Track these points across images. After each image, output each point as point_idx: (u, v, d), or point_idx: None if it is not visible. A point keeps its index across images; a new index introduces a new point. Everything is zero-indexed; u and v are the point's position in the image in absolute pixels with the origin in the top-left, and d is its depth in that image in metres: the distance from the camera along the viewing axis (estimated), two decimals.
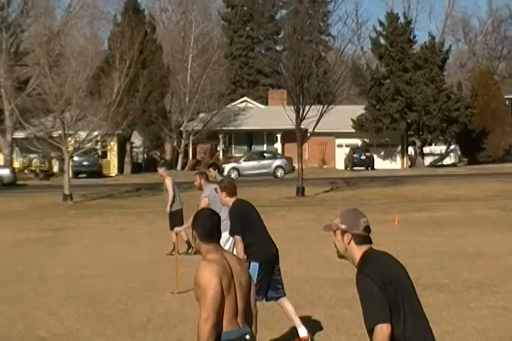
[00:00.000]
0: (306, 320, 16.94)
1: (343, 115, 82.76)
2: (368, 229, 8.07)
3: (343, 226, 7.83)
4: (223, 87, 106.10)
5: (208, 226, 8.70)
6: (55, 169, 77.67)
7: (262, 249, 16.38)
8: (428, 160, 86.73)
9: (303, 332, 15.83)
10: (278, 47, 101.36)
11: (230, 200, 16.93)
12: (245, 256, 16.00)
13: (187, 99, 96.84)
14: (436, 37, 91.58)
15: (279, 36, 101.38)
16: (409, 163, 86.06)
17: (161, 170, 29.35)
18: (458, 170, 76.78)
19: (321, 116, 62.71)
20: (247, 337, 8.33)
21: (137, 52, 67.26)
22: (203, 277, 8.01)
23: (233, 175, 72.66)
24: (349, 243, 7.98)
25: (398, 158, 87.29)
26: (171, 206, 28.23)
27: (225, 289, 8.06)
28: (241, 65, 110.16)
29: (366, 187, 59.20)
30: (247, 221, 16.76)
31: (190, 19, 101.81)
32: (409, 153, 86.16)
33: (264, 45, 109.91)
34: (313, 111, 60.70)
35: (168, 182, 27.63)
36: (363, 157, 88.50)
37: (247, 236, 16.46)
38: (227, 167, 73.96)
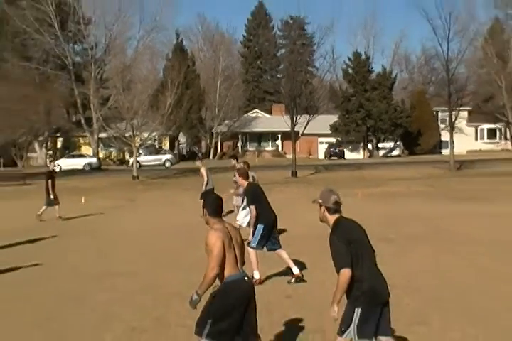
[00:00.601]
0: (298, 263, 16.95)
1: (323, 122, 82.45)
2: (337, 203, 8.92)
3: (320, 201, 8.84)
4: (241, 103, 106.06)
5: (215, 205, 9.33)
6: (127, 158, 77.39)
7: (266, 216, 16.56)
8: (381, 152, 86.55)
9: (296, 270, 16.25)
10: (279, 75, 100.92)
11: (245, 183, 17.16)
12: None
13: (216, 110, 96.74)
14: (386, 68, 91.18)
15: (280, 67, 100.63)
16: (368, 154, 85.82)
17: (197, 163, 29.01)
18: (401, 159, 76.75)
19: (308, 122, 62.69)
20: (246, 278, 8.97)
21: (182, 78, 67.08)
22: (210, 240, 8.75)
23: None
24: (324, 213, 8.94)
25: (361, 151, 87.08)
26: (206, 186, 27.38)
27: (227, 247, 8.78)
28: (253, 87, 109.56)
29: (339, 171, 59.40)
30: (256, 196, 16.77)
31: (219, 56, 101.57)
32: (368, 147, 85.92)
33: (270, 74, 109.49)
34: (303, 119, 60.79)
35: (203, 171, 26.94)
36: (336, 150, 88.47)
37: (257, 207, 16.60)
38: (131, 160, 70.42)
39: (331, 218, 9.13)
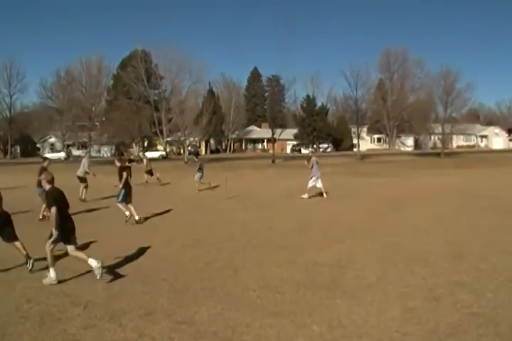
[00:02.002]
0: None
1: (290, 132, 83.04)
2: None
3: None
4: (244, 121, 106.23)
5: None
6: (181, 152, 78.03)
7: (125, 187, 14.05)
8: (321, 149, 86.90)
9: (135, 216, 14.06)
10: (265, 107, 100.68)
11: (118, 163, 14.76)
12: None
13: (230, 125, 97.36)
14: (323, 103, 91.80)
15: (266, 102, 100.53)
16: (313, 150, 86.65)
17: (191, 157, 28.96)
18: (332, 154, 77.01)
19: (281, 133, 63.70)
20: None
21: (211, 108, 67.88)
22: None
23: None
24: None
25: (310, 148, 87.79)
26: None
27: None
28: (251, 113, 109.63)
29: (298, 160, 60.08)
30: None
31: (232, 96, 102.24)
32: (313, 146, 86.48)
33: (260, 106, 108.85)
34: (278, 131, 61.64)
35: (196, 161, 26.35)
36: (296, 148, 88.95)
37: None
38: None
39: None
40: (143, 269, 8.69)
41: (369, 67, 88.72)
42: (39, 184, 13.41)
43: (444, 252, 9.57)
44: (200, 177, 24.07)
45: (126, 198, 14.36)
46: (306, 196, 19.55)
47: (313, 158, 20.15)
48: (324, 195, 19.73)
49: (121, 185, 14.39)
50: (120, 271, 8.57)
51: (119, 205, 14.43)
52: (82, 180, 20.17)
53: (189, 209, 17.05)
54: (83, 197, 19.66)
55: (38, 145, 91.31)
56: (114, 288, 7.53)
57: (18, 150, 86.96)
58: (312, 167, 19.79)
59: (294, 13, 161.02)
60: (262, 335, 5.72)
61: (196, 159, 26.71)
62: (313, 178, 19.71)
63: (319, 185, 19.78)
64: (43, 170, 13.01)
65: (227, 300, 6.91)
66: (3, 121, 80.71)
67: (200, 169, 24.24)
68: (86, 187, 19.98)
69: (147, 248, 10.50)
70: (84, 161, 20.76)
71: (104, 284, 7.73)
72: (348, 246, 10.30)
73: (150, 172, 28.29)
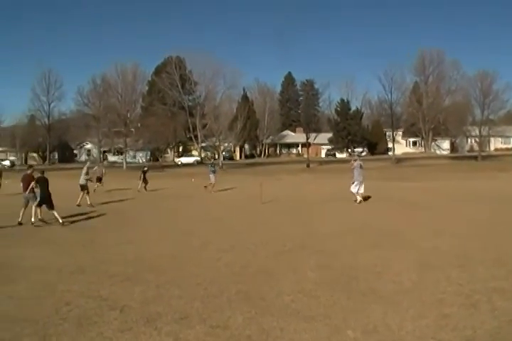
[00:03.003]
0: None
1: (324, 137, 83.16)
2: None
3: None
4: (278, 126, 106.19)
5: None
6: (216, 157, 78.48)
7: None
8: (356, 154, 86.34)
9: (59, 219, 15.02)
10: (299, 111, 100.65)
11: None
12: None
13: (265, 130, 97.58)
14: (358, 107, 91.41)
15: (300, 106, 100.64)
16: (348, 155, 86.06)
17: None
18: (367, 157, 76.30)
19: (315, 137, 63.64)
20: None
21: (246, 113, 68.14)
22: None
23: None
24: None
25: (344, 153, 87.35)
26: None
27: None
28: (285, 118, 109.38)
29: (333, 164, 59.78)
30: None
31: (266, 101, 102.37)
32: (348, 151, 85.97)
33: (294, 110, 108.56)
34: (312, 135, 61.60)
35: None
36: (331, 153, 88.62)
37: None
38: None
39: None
40: (178, 273, 8.77)
41: (403, 70, 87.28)
42: (26, 189, 15.44)
43: (481, 257, 9.38)
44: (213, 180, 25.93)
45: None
46: (358, 199, 19.33)
47: (357, 162, 19.90)
48: (360, 199, 19.53)
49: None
50: (157, 275, 8.67)
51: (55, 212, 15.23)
52: (83, 187, 20.82)
53: (224, 214, 17.16)
54: (89, 202, 20.44)
55: (75, 151, 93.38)
56: (150, 293, 7.60)
57: (56, 157, 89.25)
58: (354, 170, 19.55)
59: (327, 18, 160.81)
60: (296, 340, 5.72)
61: (212, 162, 28.28)
62: (356, 182, 19.46)
63: (361, 190, 19.53)
64: (29, 176, 15.78)
65: (261, 305, 6.90)
66: (42, 128, 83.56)
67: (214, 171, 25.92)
68: (87, 193, 20.73)
69: (182, 252, 10.62)
70: (84, 169, 21.39)
71: (140, 288, 7.83)
72: (384, 251, 10.21)
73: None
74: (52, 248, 11.41)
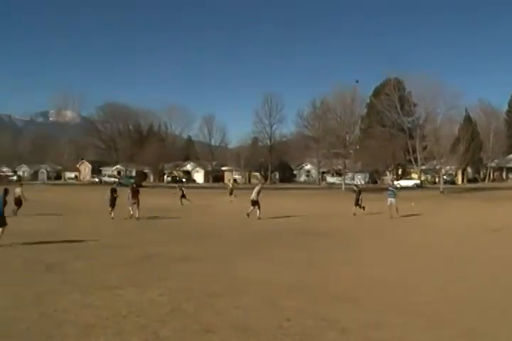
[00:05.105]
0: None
1: None
2: None
3: None
4: (505, 149, 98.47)
5: None
6: (437, 181, 75.20)
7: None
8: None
9: None
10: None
11: None
12: None
13: (489, 153, 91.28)
14: None
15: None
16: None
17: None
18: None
19: None
20: None
21: (468, 134, 64.70)
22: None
23: None
24: None
25: None
26: None
27: None
28: None
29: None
30: None
31: (490, 120, 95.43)
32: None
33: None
34: None
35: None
36: None
37: None
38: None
39: None
40: (398, 301, 8.52)
41: None
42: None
43: None
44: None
45: None
46: None
47: None
48: None
49: None
50: (378, 300, 8.40)
51: None
52: (254, 203, 24.27)
53: (450, 242, 16.58)
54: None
55: (294, 171, 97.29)
56: (372, 317, 7.47)
57: (277, 176, 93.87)
58: None
59: None
60: None
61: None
62: None
63: None
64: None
65: None
66: (264, 148, 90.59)
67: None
68: (259, 207, 23.97)
69: (422, 280, 10.33)
70: (257, 188, 24.76)
71: (361, 313, 7.71)
72: None
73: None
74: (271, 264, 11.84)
